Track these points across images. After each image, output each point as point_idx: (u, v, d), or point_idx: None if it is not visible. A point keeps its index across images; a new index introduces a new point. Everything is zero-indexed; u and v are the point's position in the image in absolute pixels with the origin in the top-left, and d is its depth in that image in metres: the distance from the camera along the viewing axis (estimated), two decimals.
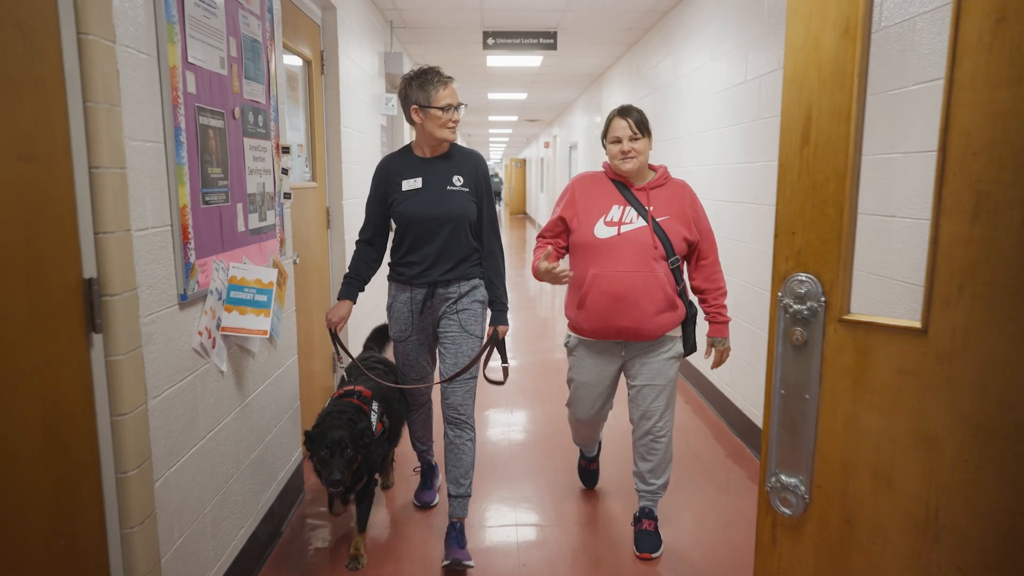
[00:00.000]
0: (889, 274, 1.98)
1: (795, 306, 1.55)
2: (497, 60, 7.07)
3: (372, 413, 2.46)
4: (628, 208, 2.38)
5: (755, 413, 3.53)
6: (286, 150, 2.65)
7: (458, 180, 2.42)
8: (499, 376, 2.58)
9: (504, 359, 2.53)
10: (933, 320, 1.35)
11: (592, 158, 9.28)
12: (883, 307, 1.91)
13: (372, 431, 2.39)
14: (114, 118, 1.48)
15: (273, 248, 2.53)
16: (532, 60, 7.15)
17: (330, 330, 2.48)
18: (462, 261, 2.46)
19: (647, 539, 2.54)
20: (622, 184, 2.43)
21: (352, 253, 2.57)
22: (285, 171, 2.65)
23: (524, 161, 25.52)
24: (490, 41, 5.75)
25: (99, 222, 1.46)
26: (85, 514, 1.47)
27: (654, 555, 2.50)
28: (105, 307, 1.48)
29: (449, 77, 2.38)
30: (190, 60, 1.83)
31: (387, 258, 2.58)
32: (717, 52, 4.09)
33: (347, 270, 2.53)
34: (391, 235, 2.55)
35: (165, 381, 1.73)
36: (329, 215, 3.79)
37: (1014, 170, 1.22)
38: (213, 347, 2.01)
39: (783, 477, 1.60)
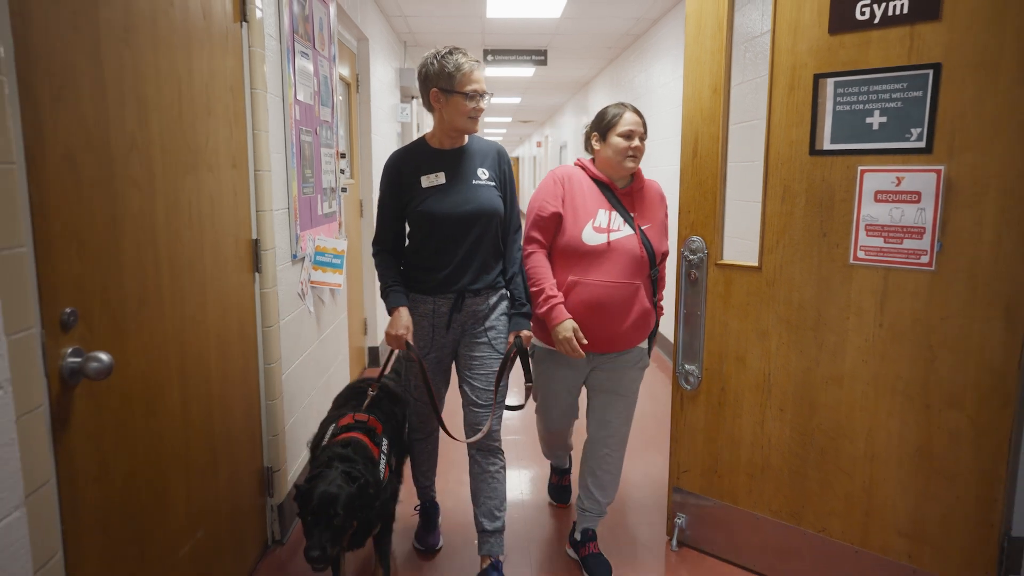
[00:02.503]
0: (741, 235, 2.71)
1: (691, 256, 2.45)
2: (494, 71, 7.95)
3: (381, 456, 2.06)
4: (614, 213, 2.23)
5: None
6: (343, 155, 3.53)
7: (483, 173, 2.18)
8: (519, 399, 2.26)
9: (529, 376, 2.30)
10: (763, 262, 2.27)
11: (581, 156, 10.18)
12: (740, 255, 2.41)
13: (379, 484, 1.96)
14: (265, 139, 2.37)
15: (335, 229, 3.42)
16: (526, 71, 8.04)
17: (389, 347, 2.25)
18: (491, 267, 2.23)
19: (600, 563, 2.38)
20: (605, 186, 2.27)
21: (377, 266, 2.26)
22: (343, 171, 3.53)
23: (517, 159, 26.39)
24: (489, 58, 6.63)
25: (259, 204, 2.35)
26: (252, 386, 2.36)
27: None
28: (262, 257, 2.37)
29: (477, 60, 2.11)
30: (298, 98, 2.72)
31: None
32: (679, 72, 4.99)
33: (382, 282, 2.22)
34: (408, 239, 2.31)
35: (286, 310, 2.62)
36: (362, 206, 4.68)
37: (800, 173, 2.15)
38: (306, 294, 2.90)
39: (686, 366, 2.50)
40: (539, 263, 2.26)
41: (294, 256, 2.71)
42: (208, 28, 1.97)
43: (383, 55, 5.27)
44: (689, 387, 2.46)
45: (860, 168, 2.00)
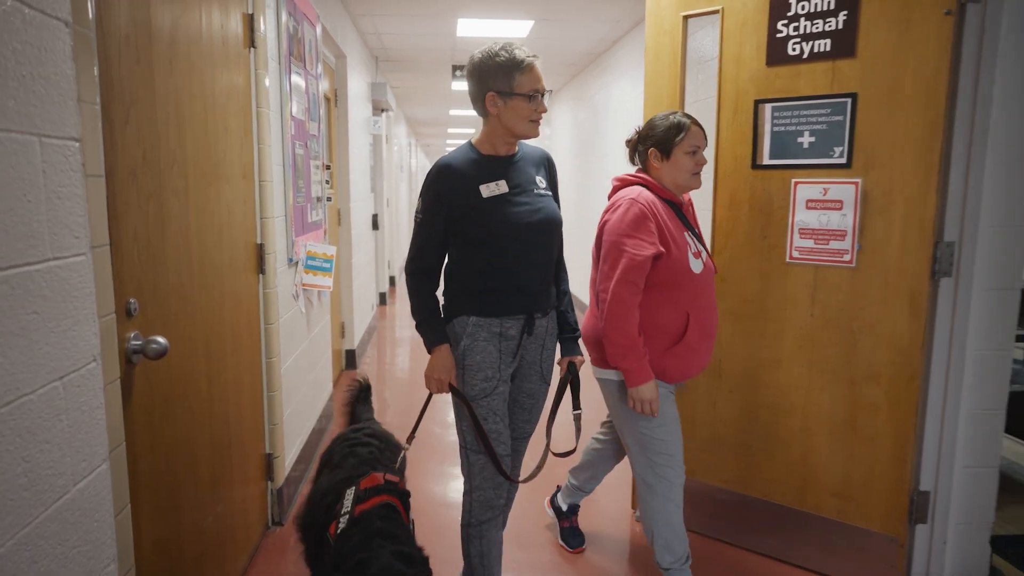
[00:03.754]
0: None
1: None
2: (461, 85, 8.24)
3: (411, 523, 1.83)
4: (688, 233, 2.11)
5: None
6: (328, 167, 3.76)
7: (540, 181, 2.01)
8: (569, 444, 2.16)
9: (577, 404, 2.10)
10: (716, 260, 2.57)
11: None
12: None
13: (426, 562, 1.64)
14: (268, 152, 2.60)
15: (321, 236, 3.64)
16: None
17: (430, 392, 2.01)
18: (551, 284, 2.07)
19: (577, 536, 2.69)
20: (674, 205, 2.13)
21: (414, 291, 1.99)
22: (327, 181, 3.76)
23: None
24: (458, 73, 6.92)
25: (263, 211, 2.58)
26: (257, 377, 2.58)
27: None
28: (266, 260, 2.60)
29: (535, 55, 1.89)
30: (293, 114, 2.96)
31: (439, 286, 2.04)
32: (637, 91, 5.36)
33: (419, 311, 1.97)
34: (452, 257, 2.02)
35: (284, 310, 2.85)
36: (340, 215, 4.90)
37: (744, 184, 2.47)
38: (298, 296, 3.12)
39: None
40: (634, 305, 1.99)
41: (290, 260, 2.93)
42: (226, 54, 2.21)
43: (358, 70, 5.51)
44: None
45: (794, 180, 2.35)
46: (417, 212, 1.98)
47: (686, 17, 2.56)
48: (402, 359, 5.71)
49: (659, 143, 2.11)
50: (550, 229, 1.99)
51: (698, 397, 2.64)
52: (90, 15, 1.28)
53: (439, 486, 3.22)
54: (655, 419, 2.08)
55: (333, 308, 4.62)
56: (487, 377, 1.94)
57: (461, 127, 14.65)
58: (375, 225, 6.68)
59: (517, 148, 2.01)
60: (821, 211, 2.30)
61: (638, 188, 2.09)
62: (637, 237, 1.99)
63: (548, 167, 2.09)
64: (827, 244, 2.30)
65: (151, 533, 1.64)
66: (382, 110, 7.18)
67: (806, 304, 2.36)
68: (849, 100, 2.23)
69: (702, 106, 2.60)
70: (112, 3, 1.45)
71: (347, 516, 1.67)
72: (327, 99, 4.57)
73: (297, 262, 3.08)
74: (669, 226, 2.03)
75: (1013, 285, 2.20)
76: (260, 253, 2.59)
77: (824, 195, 2.29)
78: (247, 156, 2.44)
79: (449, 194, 1.92)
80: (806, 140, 2.33)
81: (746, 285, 2.49)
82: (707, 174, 2.56)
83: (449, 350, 1.96)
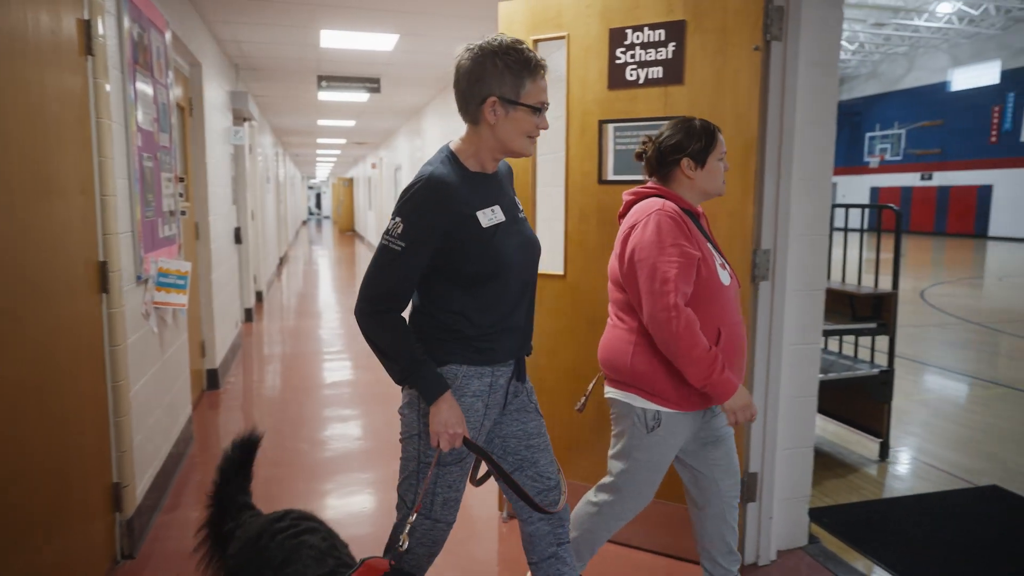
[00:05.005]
0: (551, 245, 3.29)
1: None
2: (328, 95, 8.11)
3: None
4: (710, 245, 1.99)
5: None
6: (181, 179, 3.60)
7: (518, 202, 1.77)
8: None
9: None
10: (567, 270, 2.74)
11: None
12: (553, 266, 2.71)
13: None
14: (110, 165, 2.47)
15: (175, 251, 3.48)
16: (360, 96, 8.28)
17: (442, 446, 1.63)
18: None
19: None
20: (694, 216, 2.01)
21: (388, 330, 1.58)
22: (180, 194, 3.60)
23: (352, 180, 26.21)
24: (323, 83, 6.82)
25: (105, 227, 2.45)
26: (101, 403, 2.43)
27: None
28: (109, 279, 2.46)
29: (543, 59, 1.63)
30: (140, 125, 2.82)
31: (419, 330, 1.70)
32: None
33: (405, 355, 1.58)
34: (429, 295, 1.67)
35: (132, 330, 2.70)
36: (198, 229, 4.68)
37: (592, 198, 2.64)
38: (149, 315, 2.97)
39: None
40: (694, 316, 1.83)
41: (138, 277, 2.79)
42: (58, 61, 2.09)
43: (216, 79, 5.30)
44: None
45: None
46: (392, 238, 1.55)
47: (536, 41, 2.72)
48: (272, 377, 5.53)
49: (696, 152, 1.97)
50: (537, 260, 1.76)
51: (559, 400, 2.79)
52: None
53: (309, 505, 3.16)
54: (647, 451, 1.98)
55: (192, 326, 4.40)
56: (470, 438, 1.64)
57: (330, 137, 14.35)
58: (238, 239, 6.42)
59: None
60: None
61: (659, 200, 1.96)
62: (682, 242, 1.86)
63: (511, 182, 1.81)
64: None
65: None
66: (244, 119, 6.92)
67: None
68: None
69: (560, 123, 2.76)
70: None
71: None
72: (181, 108, 4.37)
73: (147, 279, 2.93)
74: (696, 235, 1.92)
75: (819, 286, 2.52)
76: (103, 271, 2.45)
77: None
78: (85, 169, 2.31)
79: (447, 223, 1.55)
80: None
81: (599, 293, 2.66)
82: (558, 188, 2.73)
83: (452, 398, 1.60)
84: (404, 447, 1.70)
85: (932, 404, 4.79)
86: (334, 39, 5.38)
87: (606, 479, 2.15)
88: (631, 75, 2.53)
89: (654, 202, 1.95)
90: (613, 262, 2.04)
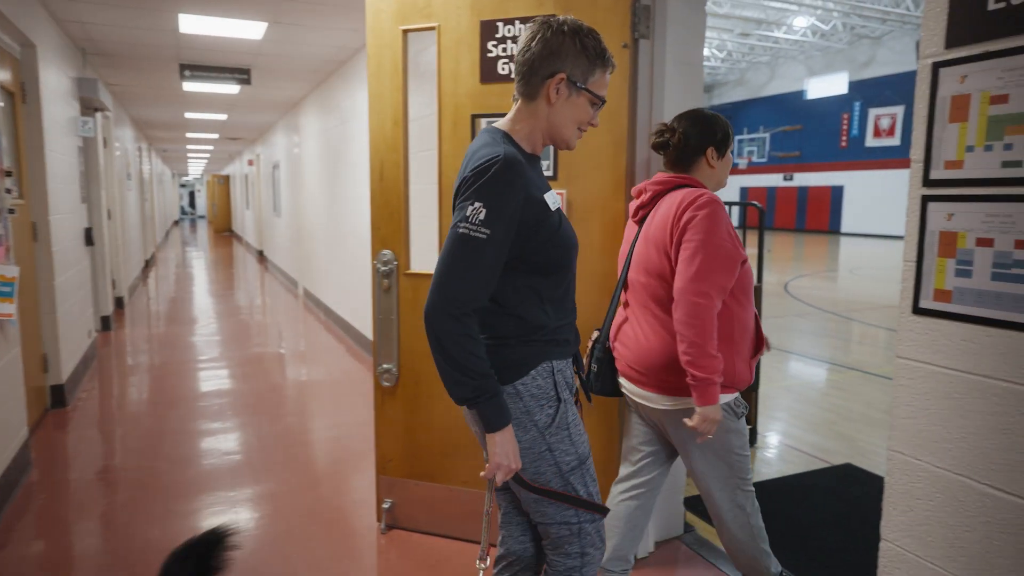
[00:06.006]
0: (426, 245, 3.07)
1: (383, 267, 2.75)
2: (194, 86, 7.57)
3: None
4: None
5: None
6: (8, 173, 3.19)
7: None
8: None
9: None
10: None
11: (291, 178, 10.10)
12: (425, 265, 2.67)
13: None
14: None
15: (2, 254, 3.08)
16: (230, 88, 7.79)
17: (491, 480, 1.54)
18: None
19: None
20: None
21: (460, 340, 1.40)
22: (8, 190, 3.19)
23: (228, 177, 24.82)
24: (187, 73, 6.34)
25: None
26: None
27: None
28: None
29: (615, 62, 1.63)
30: None
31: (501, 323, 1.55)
32: None
33: (479, 372, 1.41)
34: (512, 287, 1.53)
35: None
36: (36, 229, 4.19)
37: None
38: None
39: (384, 365, 2.79)
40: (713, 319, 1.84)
41: None
42: None
43: (56, 63, 4.78)
44: (388, 384, 2.77)
45: None
46: (474, 226, 1.39)
47: (406, 31, 2.61)
48: (133, 390, 5.06)
49: (720, 143, 2.02)
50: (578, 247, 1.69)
51: (435, 403, 2.70)
52: None
53: (168, 529, 2.89)
54: (742, 436, 2.01)
55: (29, 339, 3.94)
56: (584, 439, 1.60)
57: (201, 131, 13.48)
58: (89, 240, 5.85)
59: None
60: None
61: (697, 188, 1.96)
62: (734, 238, 1.88)
63: None
64: None
65: None
66: (95, 110, 6.32)
67: None
68: None
69: (427, 121, 2.66)
70: None
71: None
72: (10, 93, 3.89)
73: None
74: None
75: None
76: None
77: None
78: None
79: (525, 202, 1.44)
80: None
81: None
82: (432, 186, 2.64)
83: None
84: (533, 469, 1.53)
85: (795, 390, 5.11)
86: (194, 24, 4.99)
87: (711, 494, 2.07)
88: (503, 69, 2.47)
89: (697, 191, 1.92)
90: (656, 256, 1.95)
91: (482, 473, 1.47)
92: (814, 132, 26.24)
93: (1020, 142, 1.29)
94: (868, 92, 23.81)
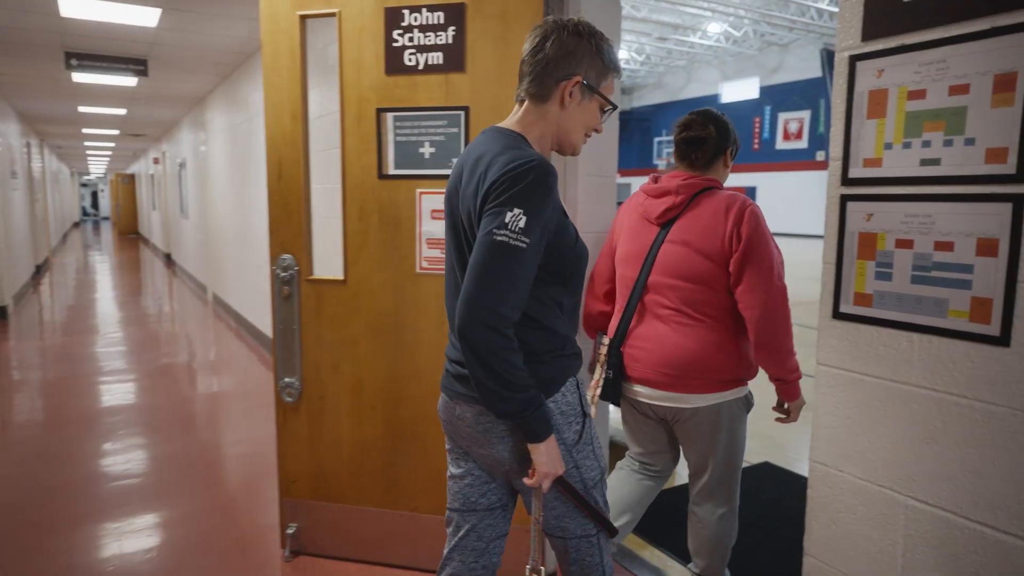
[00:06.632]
0: (331, 249, 2.93)
1: (283, 273, 2.55)
2: (85, 77, 7.00)
3: None
4: None
5: None
6: None
7: None
8: None
9: None
10: (348, 275, 2.49)
11: (198, 177, 9.54)
12: (333, 270, 2.46)
13: None
14: None
15: None
16: (126, 80, 7.25)
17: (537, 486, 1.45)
18: None
19: None
20: None
21: (502, 354, 1.31)
22: None
23: (133, 176, 23.44)
24: (73, 62, 5.83)
25: None
26: None
27: None
28: None
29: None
30: None
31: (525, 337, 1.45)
32: None
33: (521, 386, 1.33)
34: (540, 300, 1.45)
35: None
36: None
37: (372, 195, 2.39)
38: None
39: (286, 379, 2.58)
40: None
41: None
42: None
43: None
44: (291, 399, 2.55)
45: (419, 191, 2.34)
46: (514, 234, 1.29)
47: (303, 17, 2.41)
48: (17, 410, 4.57)
49: (733, 143, 2.09)
50: None
51: (341, 418, 2.51)
52: None
53: (37, 571, 2.57)
54: (742, 439, 2.15)
55: None
56: (599, 456, 1.58)
57: (98, 127, 12.60)
58: None
59: None
60: (443, 221, 2.33)
61: (724, 191, 2.03)
62: (769, 236, 1.98)
63: None
64: None
65: None
66: None
67: (436, 313, 2.37)
68: (463, 112, 2.29)
69: (331, 118, 2.47)
70: None
71: None
72: None
73: None
74: None
75: None
76: None
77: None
78: None
79: (555, 211, 1.38)
80: (427, 151, 2.34)
81: (381, 298, 2.42)
82: (335, 185, 2.44)
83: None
84: (558, 484, 1.47)
85: None
86: (77, 7, 4.56)
87: (710, 483, 2.14)
88: (410, 60, 2.31)
89: (732, 194, 2.00)
90: (700, 262, 1.97)
91: (528, 480, 1.40)
92: None
93: (938, 139, 1.24)
94: (777, 97, 24.85)
